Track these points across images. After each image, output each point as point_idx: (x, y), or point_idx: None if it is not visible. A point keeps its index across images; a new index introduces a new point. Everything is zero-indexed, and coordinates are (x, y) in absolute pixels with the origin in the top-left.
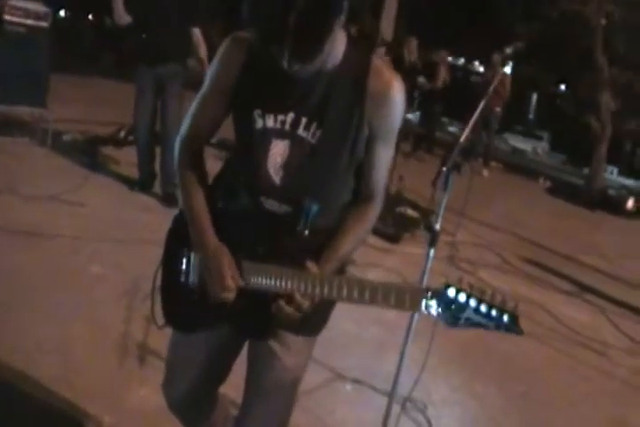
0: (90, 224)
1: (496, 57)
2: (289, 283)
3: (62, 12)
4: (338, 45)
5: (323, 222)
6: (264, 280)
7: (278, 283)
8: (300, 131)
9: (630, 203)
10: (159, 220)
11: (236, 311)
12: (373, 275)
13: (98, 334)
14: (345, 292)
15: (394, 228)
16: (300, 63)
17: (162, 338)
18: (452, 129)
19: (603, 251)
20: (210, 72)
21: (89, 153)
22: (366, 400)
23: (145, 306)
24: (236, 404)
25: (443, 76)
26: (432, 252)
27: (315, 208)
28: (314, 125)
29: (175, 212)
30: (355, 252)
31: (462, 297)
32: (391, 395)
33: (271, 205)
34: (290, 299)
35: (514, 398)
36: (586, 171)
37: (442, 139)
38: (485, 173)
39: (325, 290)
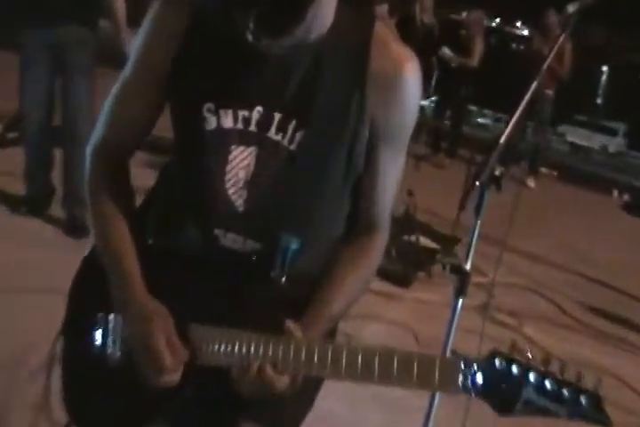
0: None
1: (552, 17)
2: (260, 353)
3: None
4: (325, 5)
5: (306, 266)
6: (224, 352)
7: (245, 354)
8: (272, 133)
9: None
10: (58, 259)
11: (182, 403)
12: (371, 332)
13: None
14: (343, 365)
15: (401, 264)
16: (271, 36)
17: None
18: (482, 121)
19: None
20: (135, 45)
21: None
22: None
23: (33, 390)
24: None
25: (479, 49)
26: (460, 302)
27: (294, 245)
28: (292, 124)
29: (85, 247)
30: (353, 306)
31: (518, 370)
32: None
33: (231, 240)
34: (262, 376)
35: None
36: None
37: (469, 135)
38: (532, 183)
39: (314, 363)
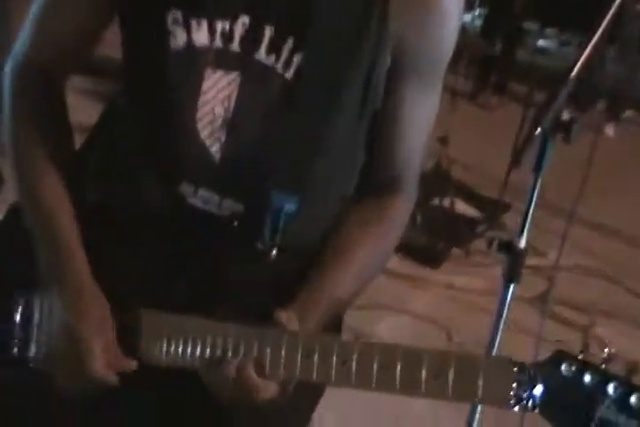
0: None
1: None
2: (240, 351)
3: None
4: None
5: (304, 235)
6: (185, 349)
7: (219, 352)
8: (262, 54)
9: None
10: None
11: (126, 419)
12: (388, 327)
13: None
14: (353, 368)
15: (430, 238)
16: None
17: None
18: (543, 44)
19: None
20: None
21: None
22: None
23: None
24: None
25: None
26: (511, 291)
27: (289, 207)
28: (289, 43)
29: None
30: (364, 290)
31: (592, 379)
32: None
33: (203, 200)
34: (242, 380)
35: None
36: None
37: (526, 63)
38: (610, 131)
39: (314, 364)
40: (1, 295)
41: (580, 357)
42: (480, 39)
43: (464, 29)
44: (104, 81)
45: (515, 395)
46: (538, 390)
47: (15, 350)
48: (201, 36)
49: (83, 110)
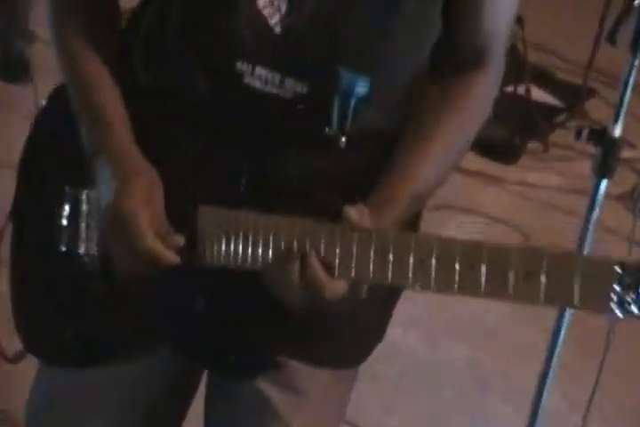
0: None
1: None
2: (306, 245)
3: None
4: None
5: (376, 121)
6: (246, 248)
7: (279, 250)
8: None
9: None
10: None
11: (187, 318)
12: (460, 229)
13: None
14: (433, 269)
15: (504, 130)
16: None
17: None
18: None
19: None
20: None
21: None
22: None
23: None
24: None
25: None
26: (604, 185)
27: (360, 88)
28: None
29: (25, 97)
30: (445, 181)
31: None
32: None
33: (262, 79)
34: (307, 276)
35: None
36: None
37: None
38: None
39: (389, 263)
40: (50, 189)
41: None
42: None
43: None
44: None
45: (617, 297)
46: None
47: (68, 244)
48: None
49: None
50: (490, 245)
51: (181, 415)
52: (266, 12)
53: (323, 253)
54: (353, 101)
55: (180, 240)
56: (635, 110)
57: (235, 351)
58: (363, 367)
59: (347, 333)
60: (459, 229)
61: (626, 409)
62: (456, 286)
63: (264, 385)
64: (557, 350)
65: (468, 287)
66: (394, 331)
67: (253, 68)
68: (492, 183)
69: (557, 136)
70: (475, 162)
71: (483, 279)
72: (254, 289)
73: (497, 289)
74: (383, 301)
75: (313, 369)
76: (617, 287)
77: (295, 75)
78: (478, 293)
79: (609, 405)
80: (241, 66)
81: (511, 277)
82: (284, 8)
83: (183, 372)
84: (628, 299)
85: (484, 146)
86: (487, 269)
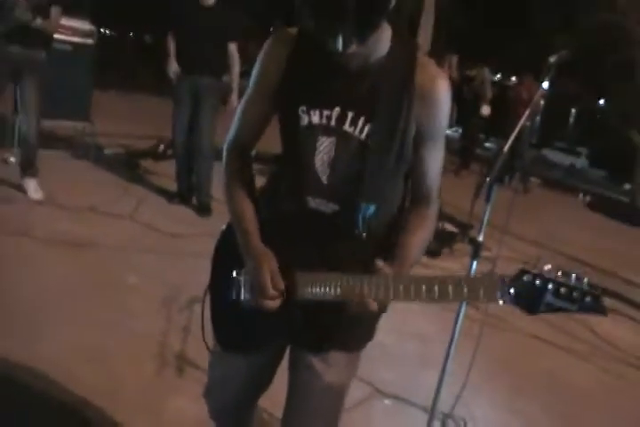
0: (128, 235)
1: (528, 75)
2: (355, 288)
3: (106, 30)
4: (384, 35)
5: (378, 225)
6: (324, 289)
7: (339, 290)
8: (347, 126)
9: None
10: (197, 231)
11: (292, 325)
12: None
13: (136, 346)
14: (412, 290)
15: (433, 242)
16: (357, 41)
17: (199, 349)
18: (488, 145)
19: None
20: (254, 71)
21: (129, 166)
22: (406, 416)
23: (182, 317)
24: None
25: (489, 96)
26: (475, 264)
27: (371, 208)
28: (361, 120)
29: (212, 223)
30: (420, 256)
31: (540, 282)
32: (432, 411)
33: (318, 203)
34: (360, 301)
35: (558, 417)
36: (626, 186)
37: (479, 155)
38: (524, 188)
39: (391, 290)
40: (226, 268)
41: (533, 271)
42: (457, 142)
43: (447, 137)
44: (263, 164)
45: (500, 294)
46: (511, 291)
47: (234, 296)
48: (315, 118)
49: (258, 179)
50: (439, 277)
51: (270, 380)
52: (320, 173)
53: (364, 288)
54: (368, 214)
55: (282, 287)
56: (490, 233)
57: (317, 340)
58: None
59: (356, 332)
60: None
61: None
62: (424, 296)
63: (314, 359)
64: (456, 337)
65: (427, 296)
66: None
67: (313, 199)
68: (428, 267)
69: (458, 245)
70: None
71: (436, 291)
72: (327, 305)
73: (443, 294)
74: (372, 316)
75: (337, 352)
76: (499, 291)
77: (333, 201)
78: (432, 298)
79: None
80: (309, 199)
81: (451, 288)
82: (328, 172)
83: (278, 356)
84: (505, 296)
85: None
86: (439, 286)
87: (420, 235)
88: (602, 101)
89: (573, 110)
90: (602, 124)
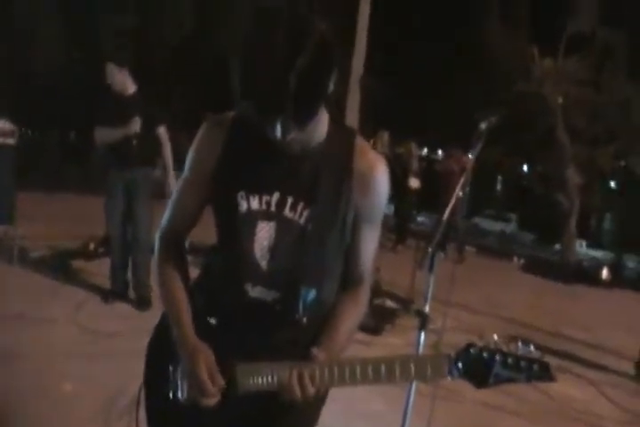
0: (61, 340)
1: (455, 149)
2: (296, 375)
3: (28, 130)
4: (322, 119)
5: (319, 309)
6: (266, 379)
7: (282, 379)
8: (287, 211)
9: (605, 273)
10: (134, 328)
11: (233, 419)
12: None
13: None
14: (358, 373)
15: (374, 320)
16: (296, 128)
17: None
18: (420, 219)
19: (585, 323)
20: (188, 158)
21: (58, 268)
22: None
23: (122, 423)
24: None
25: (415, 168)
26: (423, 336)
27: (312, 293)
28: (301, 205)
29: (152, 315)
30: (352, 338)
31: (487, 354)
32: None
33: (258, 291)
34: (300, 388)
35: None
36: (556, 247)
37: (414, 230)
38: (460, 258)
39: (336, 375)
40: (161, 364)
41: (480, 344)
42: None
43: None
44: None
45: (448, 371)
46: (459, 365)
47: (171, 394)
48: (254, 204)
49: (192, 271)
50: (386, 357)
51: None
52: (260, 260)
53: (307, 375)
54: (308, 300)
55: (221, 379)
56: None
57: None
58: None
59: (300, 419)
60: None
61: None
62: (372, 376)
63: None
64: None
65: (374, 378)
66: None
67: (253, 288)
68: (370, 345)
69: (399, 321)
70: (360, 335)
71: (383, 372)
72: (267, 395)
73: (391, 375)
74: (316, 400)
75: None
76: (446, 367)
77: (273, 289)
78: (380, 379)
79: None
80: (248, 287)
81: (398, 368)
82: (267, 257)
83: None
84: (453, 371)
85: (364, 327)
86: (386, 367)
87: (351, 316)
88: (525, 168)
89: (500, 177)
90: (527, 189)
